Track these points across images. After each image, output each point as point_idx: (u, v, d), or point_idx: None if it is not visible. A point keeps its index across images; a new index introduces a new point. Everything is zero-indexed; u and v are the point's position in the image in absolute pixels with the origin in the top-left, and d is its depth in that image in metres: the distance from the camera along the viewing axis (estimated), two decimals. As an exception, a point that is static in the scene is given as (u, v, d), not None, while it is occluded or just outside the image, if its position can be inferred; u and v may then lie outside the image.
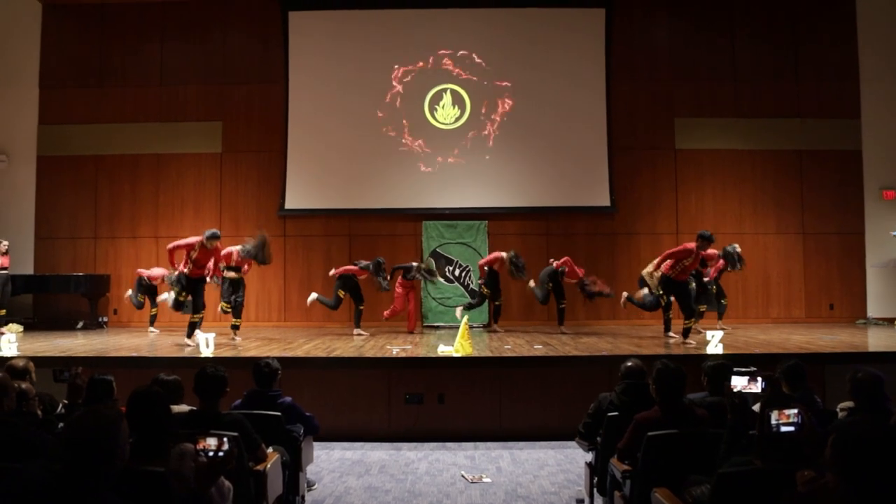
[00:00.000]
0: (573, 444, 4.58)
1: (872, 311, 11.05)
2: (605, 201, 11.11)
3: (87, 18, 11.47)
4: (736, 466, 2.57)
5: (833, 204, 11.22)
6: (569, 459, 5.71)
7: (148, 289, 9.79)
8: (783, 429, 2.42)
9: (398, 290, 9.42)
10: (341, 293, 9.12)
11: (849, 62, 11.34)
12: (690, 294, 7.89)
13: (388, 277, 9.12)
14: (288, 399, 4.43)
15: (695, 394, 4.24)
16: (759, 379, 3.17)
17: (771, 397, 2.75)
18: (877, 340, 8.40)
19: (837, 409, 4.09)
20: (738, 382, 3.18)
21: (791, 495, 1.96)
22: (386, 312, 9.59)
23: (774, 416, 2.44)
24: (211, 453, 2.47)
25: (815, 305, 11.17)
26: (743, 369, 3.96)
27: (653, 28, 11.46)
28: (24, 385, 3.60)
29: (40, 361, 5.08)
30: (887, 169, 11.22)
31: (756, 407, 2.97)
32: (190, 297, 7.92)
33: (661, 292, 7.89)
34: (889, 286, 11.13)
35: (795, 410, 2.43)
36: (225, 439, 2.49)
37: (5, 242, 9.60)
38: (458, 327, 7.29)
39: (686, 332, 7.87)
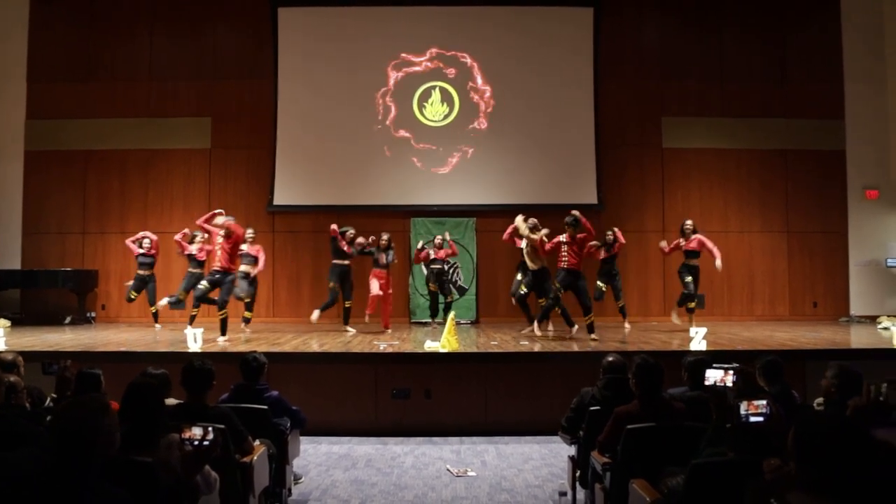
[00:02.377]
0: (558, 438, 4.64)
1: (855, 308, 11.21)
2: (592, 199, 11.19)
3: (75, 12, 11.43)
4: (709, 457, 2.65)
5: (817, 203, 11.36)
6: (553, 454, 5.79)
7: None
8: (752, 419, 2.49)
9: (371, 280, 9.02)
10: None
11: (834, 64, 11.48)
12: (583, 288, 7.90)
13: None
14: (275, 393, 4.47)
15: (675, 388, 4.33)
16: (731, 372, 3.25)
17: (743, 389, 2.82)
18: (859, 338, 8.53)
19: (815, 404, 4.19)
20: (713, 376, 3.25)
21: (757, 484, 2.03)
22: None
23: (744, 407, 2.51)
24: (196, 442, 2.52)
25: (798, 303, 11.31)
26: (725, 365, 4.05)
27: (641, 27, 11.55)
28: (12, 378, 3.63)
29: (28, 356, 5.09)
30: (870, 169, 11.38)
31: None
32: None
33: (557, 286, 7.96)
34: (871, 284, 11.28)
35: (764, 402, 2.50)
36: (210, 429, 2.54)
37: (-7, 237, 9.59)
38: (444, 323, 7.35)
39: (589, 328, 7.94)
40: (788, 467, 1.93)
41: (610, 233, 9.29)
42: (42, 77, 11.36)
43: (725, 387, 3.35)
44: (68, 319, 10.36)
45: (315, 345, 7.49)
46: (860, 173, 11.40)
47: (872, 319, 10.58)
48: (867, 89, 11.40)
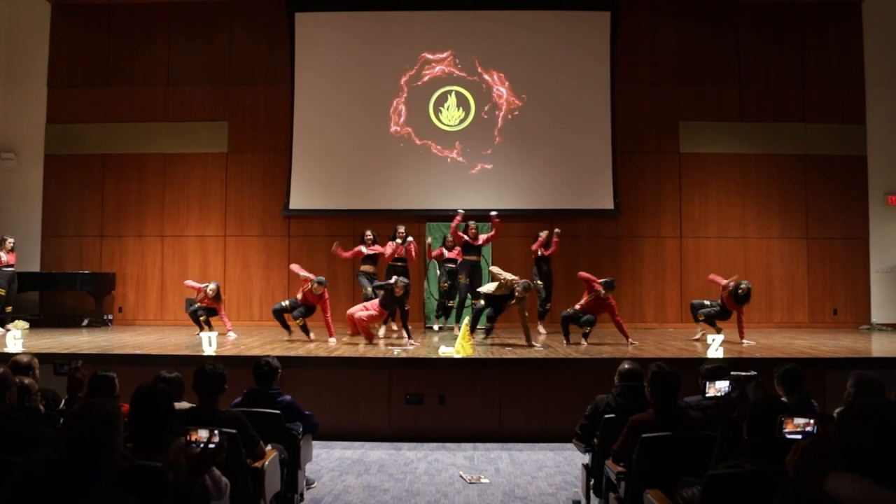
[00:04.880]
0: (572, 446, 4.60)
1: (876, 316, 11.02)
2: (608, 204, 11.12)
3: (94, 18, 11.56)
4: (726, 469, 2.59)
5: (837, 209, 11.20)
6: (567, 461, 5.73)
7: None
8: (789, 437, 2.37)
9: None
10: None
11: (854, 67, 11.32)
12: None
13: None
14: (287, 397, 4.46)
15: (691, 396, 4.27)
16: (727, 382, 3.20)
17: (762, 400, 2.76)
18: (880, 346, 8.40)
19: (834, 414, 4.11)
20: (715, 388, 3.21)
21: (786, 483, 1.96)
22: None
23: (783, 422, 2.39)
24: (202, 445, 2.52)
25: (818, 310, 11.14)
26: (742, 373, 3.99)
27: (658, 31, 11.46)
28: (26, 380, 3.65)
29: (45, 358, 5.12)
30: (892, 174, 11.19)
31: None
32: None
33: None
34: (893, 292, 11.09)
35: (809, 420, 2.39)
36: (216, 431, 2.53)
37: (11, 240, 9.67)
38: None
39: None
40: (816, 436, 1.91)
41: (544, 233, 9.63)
42: (62, 82, 11.49)
43: (729, 398, 3.30)
44: (85, 322, 10.44)
45: (328, 349, 7.48)
46: (882, 179, 11.21)
47: (894, 327, 10.41)
48: (889, 93, 11.22)
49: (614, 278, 8.53)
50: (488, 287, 8.34)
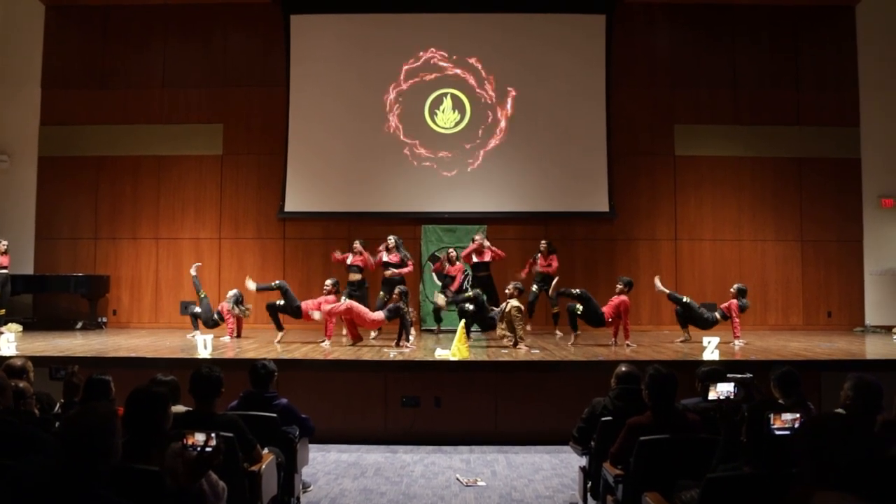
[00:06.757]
0: (569, 448, 4.60)
1: (870, 318, 11.06)
2: (604, 207, 11.14)
3: (89, 20, 11.52)
4: (724, 472, 2.59)
5: (831, 211, 11.23)
6: (564, 464, 5.73)
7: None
8: (777, 433, 2.40)
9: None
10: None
11: (848, 70, 11.37)
12: None
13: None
14: (284, 400, 4.45)
15: (689, 399, 4.27)
16: (731, 384, 3.20)
17: (760, 402, 2.76)
18: (874, 348, 8.42)
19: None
20: (718, 390, 3.21)
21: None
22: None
23: (771, 420, 2.42)
24: (198, 448, 2.51)
25: (813, 313, 11.17)
26: (736, 376, 3.99)
27: (653, 35, 11.49)
28: (21, 384, 3.62)
29: (39, 361, 5.10)
30: (886, 177, 11.25)
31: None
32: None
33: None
34: (887, 294, 11.14)
35: (797, 416, 2.41)
36: (213, 435, 2.52)
37: (5, 242, 9.62)
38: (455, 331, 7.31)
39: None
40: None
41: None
42: (56, 84, 11.44)
43: (732, 400, 3.30)
44: (80, 324, 10.39)
45: (324, 352, 7.46)
46: (875, 181, 11.26)
47: (888, 329, 10.44)
48: (883, 96, 11.27)
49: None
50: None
